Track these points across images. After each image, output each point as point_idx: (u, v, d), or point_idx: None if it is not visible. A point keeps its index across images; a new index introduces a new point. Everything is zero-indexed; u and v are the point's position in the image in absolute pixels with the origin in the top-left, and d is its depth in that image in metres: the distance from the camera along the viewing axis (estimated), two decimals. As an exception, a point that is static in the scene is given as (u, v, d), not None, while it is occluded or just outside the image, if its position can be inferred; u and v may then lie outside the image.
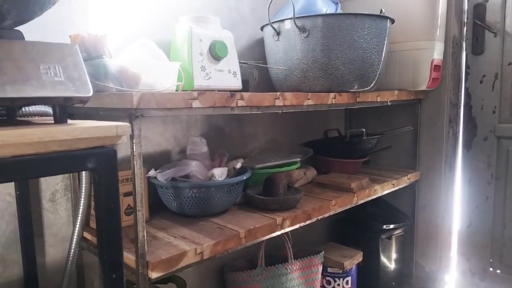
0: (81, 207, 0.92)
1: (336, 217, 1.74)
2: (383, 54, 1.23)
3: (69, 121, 0.59)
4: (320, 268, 1.38)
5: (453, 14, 1.48)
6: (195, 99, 0.82)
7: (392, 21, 1.25)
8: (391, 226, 1.54)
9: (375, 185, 1.38)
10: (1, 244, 0.91)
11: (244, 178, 1.07)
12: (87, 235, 0.96)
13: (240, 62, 1.15)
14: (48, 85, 0.54)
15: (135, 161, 0.74)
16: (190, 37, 1.03)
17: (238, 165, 1.10)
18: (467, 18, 1.51)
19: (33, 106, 0.74)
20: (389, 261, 1.58)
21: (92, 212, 0.98)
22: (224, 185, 1.03)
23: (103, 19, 1.04)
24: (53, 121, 0.59)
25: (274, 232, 1.03)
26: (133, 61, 0.88)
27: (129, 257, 0.81)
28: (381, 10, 1.22)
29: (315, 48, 1.16)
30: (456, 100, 1.54)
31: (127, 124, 0.55)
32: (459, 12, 1.50)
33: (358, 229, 1.59)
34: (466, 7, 1.51)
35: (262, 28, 1.30)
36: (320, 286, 1.43)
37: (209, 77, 1.06)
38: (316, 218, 1.15)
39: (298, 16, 1.15)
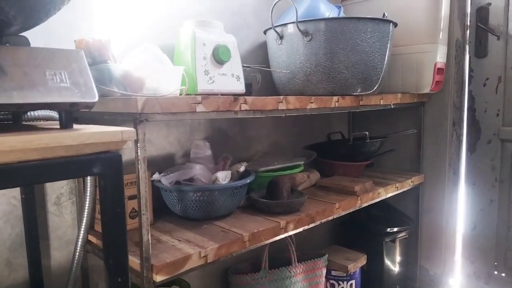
0: (86, 210, 0.92)
1: (339, 220, 1.73)
2: (386, 58, 1.24)
3: (75, 125, 0.60)
4: (324, 271, 1.38)
5: (456, 17, 1.48)
6: (199, 103, 0.83)
7: (395, 24, 1.26)
8: (395, 229, 1.54)
9: (379, 188, 1.38)
10: (7, 247, 0.92)
11: (248, 181, 1.08)
12: (92, 238, 0.96)
13: (243, 66, 1.16)
14: (54, 91, 0.54)
15: (139, 165, 0.75)
16: (193, 41, 1.03)
17: (242, 169, 1.11)
18: (470, 21, 1.51)
19: (39, 111, 0.75)
20: (393, 264, 1.57)
21: (97, 215, 0.99)
22: (228, 188, 1.03)
23: (108, 24, 1.05)
24: (58, 126, 0.60)
25: (278, 235, 1.03)
26: (137, 65, 0.89)
27: (133, 261, 0.81)
28: (384, 14, 1.22)
29: (318, 51, 1.17)
30: (460, 103, 1.54)
31: (132, 129, 0.55)
32: (462, 15, 1.50)
33: (362, 232, 1.59)
34: (469, 10, 1.51)
35: (265, 32, 1.31)
36: (324, 289, 1.42)
37: (213, 81, 1.06)
38: (319, 221, 1.15)
39: (301, 20, 1.16)
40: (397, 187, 1.46)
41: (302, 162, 1.37)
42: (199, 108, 0.83)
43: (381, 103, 1.34)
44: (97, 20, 1.03)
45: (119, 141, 0.53)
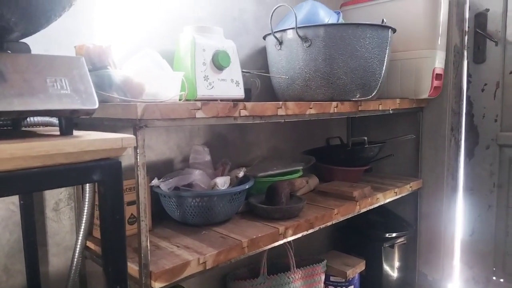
0: (85, 216, 0.92)
1: (338, 225, 1.73)
2: (385, 63, 1.24)
3: (74, 132, 0.60)
4: (323, 277, 1.38)
5: (454, 23, 1.49)
6: (199, 109, 0.83)
7: (394, 30, 1.26)
8: (394, 235, 1.54)
9: (378, 193, 1.38)
10: (5, 253, 0.92)
11: (247, 187, 1.08)
12: (90, 244, 0.96)
13: (242, 71, 1.16)
14: (54, 98, 0.54)
15: (139, 171, 0.75)
16: (193, 47, 1.04)
17: (241, 174, 1.11)
18: (468, 27, 1.52)
19: (38, 117, 0.75)
20: (392, 270, 1.57)
21: (95, 221, 0.98)
22: (227, 194, 1.03)
23: (108, 30, 1.06)
24: (58, 132, 0.60)
25: (277, 241, 1.03)
26: (137, 71, 0.89)
27: (132, 267, 0.81)
28: (383, 20, 1.23)
29: (317, 57, 1.17)
30: (458, 108, 1.55)
31: (132, 136, 0.55)
32: (460, 21, 1.51)
33: (361, 237, 1.59)
34: (467, 16, 1.52)
35: (264, 38, 1.32)
36: (323, 295, 1.42)
37: (212, 87, 1.06)
38: (318, 227, 1.15)
39: (301, 26, 1.16)
40: (396, 192, 1.46)
41: (301, 167, 1.37)
42: (199, 114, 0.83)
43: (380, 108, 1.35)
44: (97, 26, 1.04)
45: (119, 148, 0.53)
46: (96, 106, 0.57)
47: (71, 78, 0.58)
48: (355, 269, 1.43)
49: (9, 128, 0.71)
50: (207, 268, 0.86)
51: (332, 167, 1.53)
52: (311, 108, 1.10)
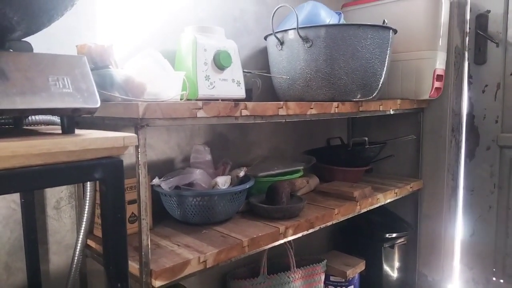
0: (86, 214, 0.92)
1: (338, 226, 1.74)
2: (386, 64, 1.24)
3: (76, 131, 0.60)
4: (323, 277, 1.38)
5: (455, 24, 1.49)
6: (200, 109, 0.83)
7: (395, 31, 1.26)
8: (394, 235, 1.54)
9: (378, 193, 1.38)
10: (6, 251, 0.92)
11: (247, 186, 1.08)
12: (91, 242, 0.96)
13: (244, 71, 1.16)
14: (56, 97, 0.55)
15: (140, 170, 0.75)
16: (194, 47, 1.04)
17: (241, 174, 1.11)
18: (469, 28, 1.52)
19: (40, 116, 0.75)
20: (392, 270, 1.57)
21: (96, 219, 0.99)
22: (227, 193, 1.03)
23: (110, 30, 1.06)
24: (59, 131, 0.60)
25: (277, 240, 1.03)
26: (139, 71, 0.89)
27: (133, 266, 0.81)
28: (384, 20, 1.23)
29: (318, 58, 1.17)
30: (459, 109, 1.55)
31: (134, 135, 0.55)
32: (461, 22, 1.51)
33: (361, 237, 1.59)
34: (468, 17, 1.52)
35: (266, 38, 1.32)
36: (323, 295, 1.42)
37: (213, 86, 1.07)
38: (319, 226, 1.15)
39: (302, 26, 1.16)
40: (396, 193, 1.46)
41: (301, 167, 1.38)
42: (200, 114, 0.83)
43: (381, 109, 1.35)
44: (99, 26, 1.04)
45: (121, 146, 0.53)
46: (98, 105, 0.57)
47: (73, 77, 0.58)
48: (355, 269, 1.44)
49: (10, 126, 0.71)
50: (207, 266, 0.87)
51: (332, 167, 1.53)
52: (312, 108, 1.10)
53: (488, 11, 1.47)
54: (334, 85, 1.19)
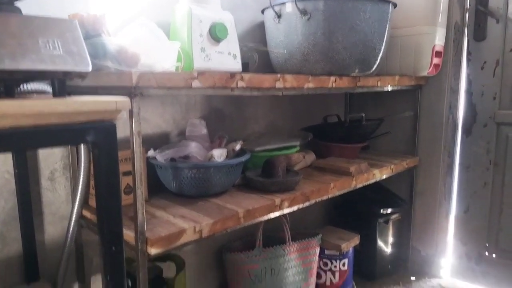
0: (80, 185, 0.92)
1: (334, 202, 1.75)
2: (385, 39, 1.23)
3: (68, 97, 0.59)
4: (318, 250, 1.40)
5: (455, 0, 1.47)
6: (195, 78, 0.82)
7: (394, 5, 1.24)
8: (389, 211, 1.56)
9: (374, 169, 1.38)
10: (0, 221, 0.92)
11: (244, 159, 1.08)
12: (86, 213, 0.96)
13: (240, 45, 1.14)
14: (47, 59, 0.54)
15: (134, 139, 0.74)
16: (190, 18, 1.02)
17: (237, 147, 1.11)
18: (469, 4, 1.49)
19: (32, 84, 0.74)
20: (386, 245, 1.60)
21: (91, 190, 0.99)
22: (224, 166, 1.03)
23: (102, 0, 1.03)
24: (51, 96, 0.59)
25: (273, 212, 1.04)
26: (133, 40, 0.87)
27: (128, 234, 0.81)
28: (384, -7, 1.21)
29: (316, 31, 1.15)
30: (457, 86, 1.54)
31: (126, 99, 0.55)
32: (462, -3, 1.49)
33: (356, 213, 1.60)
34: (469, -8, 1.49)
35: (263, 11, 1.29)
36: (317, 268, 1.44)
37: (209, 59, 1.05)
38: (314, 200, 1.16)
39: (300, -2, 1.14)
40: (392, 169, 1.46)
41: (298, 143, 1.38)
42: (195, 84, 0.82)
43: (379, 85, 1.34)
44: (91, -6, 1.01)
45: (113, 110, 0.53)
46: (90, 68, 0.56)
47: (64, 40, 0.57)
48: (350, 243, 1.45)
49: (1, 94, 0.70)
50: (203, 236, 0.87)
51: (329, 143, 1.53)
52: (309, 82, 1.09)
53: (490, -14, 1.45)
54: (332, 60, 1.18)
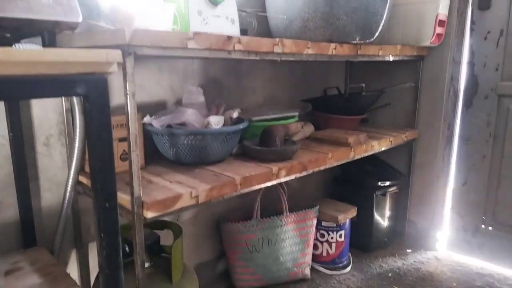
0: (76, 150, 0.91)
1: (332, 175, 1.75)
2: (387, 4, 1.19)
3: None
4: (315, 222, 1.40)
5: (461, -34, 1.42)
6: (191, 39, 0.79)
7: (398, -31, 1.20)
8: (386, 183, 1.55)
9: (373, 141, 1.37)
10: (-4, 186, 0.91)
11: (241, 127, 1.06)
12: (82, 179, 0.95)
13: (239, 10, 1.11)
14: (35, 8, 0.51)
15: (128, 101, 0.73)
16: (186, -22, 0.98)
17: (235, 115, 1.09)
18: (475, -29, 1.45)
19: (23, 43, 0.71)
20: (383, 218, 1.60)
21: (87, 157, 0.97)
22: (221, 133, 1.02)
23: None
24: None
25: (270, 181, 1.03)
26: (127, 1, 0.84)
27: (124, 198, 0.81)
28: (387, -44, 1.16)
29: (316, -5, 1.12)
30: (459, 57, 1.51)
31: (117, 51, 0.53)
32: (468, -37, 1.44)
33: (354, 186, 1.60)
34: (475, -42, 1.45)
35: (262, -25, 1.25)
36: (314, 239, 1.45)
37: (206, 23, 1.02)
38: (312, 170, 1.15)
39: (300, -40, 1.10)
40: (391, 141, 1.45)
41: (296, 113, 1.36)
42: (191, 45, 0.80)
43: (380, 53, 1.31)
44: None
45: (104, 62, 0.51)
46: (80, 19, 0.53)
47: (52, -11, 0.54)
48: (347, 214, 1.46)
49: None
50: (199, 202, 0.86)
51: (328, 115, 1.51)
52: (308, 47, 1.06)
53: (497, -48, 1.40)
54: (332, 26, 1.15)
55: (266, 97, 1.50)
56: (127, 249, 1.01)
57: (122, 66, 0.71)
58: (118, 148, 0.97)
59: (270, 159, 1.10)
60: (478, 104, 1.49)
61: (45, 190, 0.98)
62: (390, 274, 1.46)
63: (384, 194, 1.56)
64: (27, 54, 0.45)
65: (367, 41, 1.21)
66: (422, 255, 1.60)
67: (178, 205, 0.83)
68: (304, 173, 1.13)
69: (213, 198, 0.90)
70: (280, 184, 1.34)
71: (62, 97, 0.96)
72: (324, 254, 1.49)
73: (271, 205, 1.43)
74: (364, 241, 1.61)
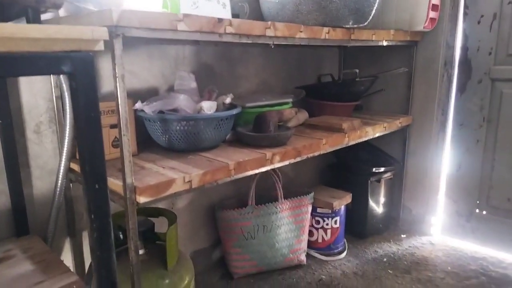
0: (67, 137, 0.90)
1: (326, 162, 1.75)
2: (380, -13, 1.18)
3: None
4: (310, 208, 1.40)
5: (454, -51, 1.41)
6: (181, 21, 0.78)
7: (391, -49, 1.19)
8: (381, 169, 1.55)
9: (367, 127, 1.37)
10: (-13, 174, 0.90)
11: (234, 112, 1.05)
12: (74, 166, 0.94)
13: (230, -6, 1.09)
14: (17, -16, 0.50)
15: (118, 83, 0.72)
16: (176, -39, 0.96)
17: (228, 100, 1.08)
18: (469, -46, 1.44)
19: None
20: (377, 204, 1.61)
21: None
22: (214, 118, 1.01)
23: None
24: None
25: (264, 166, 1.02)
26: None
27: (116, 183, 0.80)
28: None
29: (308, -22, 1.10)
30: (453, 42, 1.51)
31: (103, 28, 0.51)
32: None
33: (348, 173, 1.60)
34: None
35: (253, -41, 1.23)
36: (310, 226, 1.45)
37: (197, 6, 1.00)
38: (306, 155, 1.14)
39: None
40: (385, 127, 1.45)
41: (290, 100, 1.35)
42: (181, 27, 0.78)
43: (373, 38, 1.30)
44: None
45: (89, 39, 0.49)
46: (64, -4, 0.52)
47: (35, -34, 0.53)
48: (342, 201, 1.46)
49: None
50: (193, 187, 0.86)
51: (322, 102, 1.51)
52: (301, 31, 1.05)
53: None
54: (325, 9, 1.14)
55: (259, 84, 1.49)
56: (121, 236, 1.01)
57: (110, 48, 0.70)
58: (110, 135, 0.96)
59: (264, 145, 1.09)
60: (472, 88, 1.49)
61: (36, 178, 0.97)
62: (385, 259, 1.47)
63: (378, 181, 1.56)
64: (9, 30, 0.44)
65: (361, 25, 1.20)
66: (416, 240, 1.61)
67: (171, 190, 0.82)
68: (298, 159, 1.12)
69: (207, 183, 0.89)
70: (275, 171, 1.34)
71: (51, 84, 0.95)
72: (320, 240, 1.49)
73: (266, 192, 1.43)
74: (359, 227, 1.61)
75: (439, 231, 1.65)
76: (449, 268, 1.42)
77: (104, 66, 1.05)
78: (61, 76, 0.85)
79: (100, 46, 0.52)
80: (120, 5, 0.82)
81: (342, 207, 1.48)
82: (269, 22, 0.96)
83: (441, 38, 1.48)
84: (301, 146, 1.12)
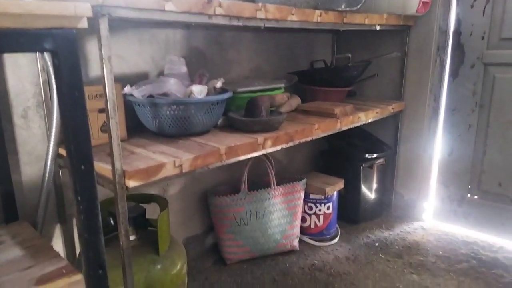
0: (54, 122, 0.89)
1: (319, 149, 1.75)
2: (373, -30, 1.16)
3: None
4: (302, 194, 1.40)
5: None
6: (168, 0, 0.76)
7: None
8: (374, 155, 1.56)
9: (359, 112, 1.36)
10: (-27, 161, 0.88)
11: (225, 97, 1.04)
12: (63, 151, 0.93)
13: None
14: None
15: (104, 65, 0.70)
16: None
17: (219, 84, 1.07)
18: None
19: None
20: (370, 190, 1.61)
21: (67, 129, 0.95)
22: (205, 102, 1.00)
23: None
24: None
25: (256, 151, 1.02)
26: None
27: (106, 168, 0.79)
28: None
29: (300, -40, 1.09)
30: (446, 26, 1.50)
31: (86, 4, 0.50)
32: None
33: (341, 159, 1.60)
34: None
35: None
36: (302, 212, 1.46)
37: (186, -12, 0.98)
38: (298, 140, 1.14)
39: None
40: (378, 112, 1.45)
41: (282, 85, 1.34)
42: (169, 7, 0.77)
43: (366, 22, 1.29)
44: None
45: (72, 16, 0.48)
46: (45, -29, 0.50)
47: None
48: (334, 187, 1.46)
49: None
50: (183, 171, 0.85)
51: (315, 87, 1.50)
52: (293, 14, 1.04)
53: None
54: (317, -8, 1.12)
55: (251, 70, 1.48)
56: (112, 222, 1.00)
57: (96, 28, 0.68)
58: (99, 119, 0.95)
59: (255, 130, 1.08)
60: (464, 73, 1.49)
61: (25, 163, 0.96)
62: (377, 244, 1.48)
63: (371, 167, 1.56)
64: (-13, 5, 0.42)
65: (353, 8, 1.18)
66: (408, 226, 1.62)
67: (161, 175, 0.81)
68: (290, 144, 1.12)
69: (198, 168, 0.89)
70: (267, 157, 1.33)
71: (38, 68, 0.93)
72: (312, 226, 1.50)
73: (259, 178, 1.42)
74: (351, 213, 1.62)
75: (431, 216, 1.67)
76: (440, 252, 1.43)
77: (92, 50, 1.03)
78: (47, 59, 0.83)
79: (84, 24, 0.51)
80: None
81: (335, 193, 1.49)
82: (260, 4, 0.94)
83: (434, 23, 1.47)
84: (293, 131, 1.12)
